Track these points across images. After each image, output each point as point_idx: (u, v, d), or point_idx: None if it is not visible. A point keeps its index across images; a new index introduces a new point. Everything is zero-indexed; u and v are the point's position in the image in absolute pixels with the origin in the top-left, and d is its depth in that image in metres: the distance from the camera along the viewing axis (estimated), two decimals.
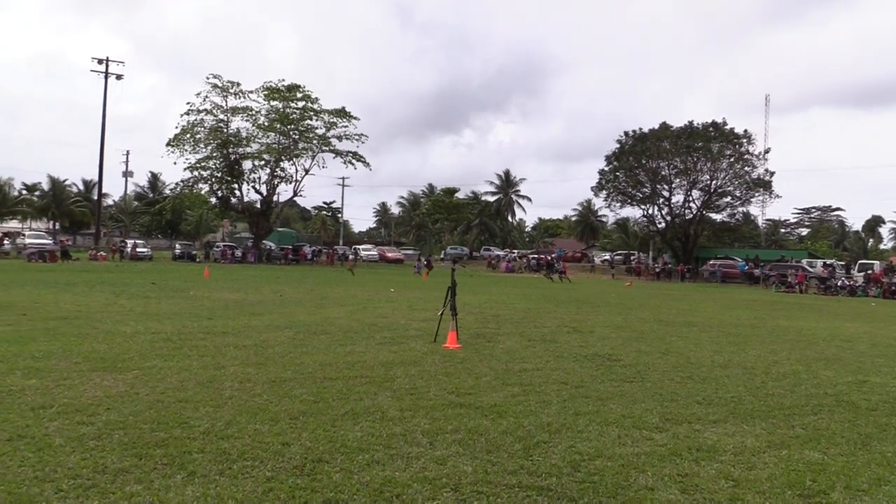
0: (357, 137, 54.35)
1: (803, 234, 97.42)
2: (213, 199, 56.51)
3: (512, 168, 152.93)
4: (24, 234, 51.31)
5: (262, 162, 53.59)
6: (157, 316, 12.90)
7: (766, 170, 56.42)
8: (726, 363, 9.76)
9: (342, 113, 53.87)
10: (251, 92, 52.60)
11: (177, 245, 58.01)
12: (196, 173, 52.46)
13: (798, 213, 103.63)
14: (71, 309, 13.49)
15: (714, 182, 56.23)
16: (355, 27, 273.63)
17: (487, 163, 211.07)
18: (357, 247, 65.75)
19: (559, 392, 7.20)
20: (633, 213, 67.23)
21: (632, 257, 63.86)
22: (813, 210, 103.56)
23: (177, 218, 75.26)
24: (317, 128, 53.95)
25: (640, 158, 57.14)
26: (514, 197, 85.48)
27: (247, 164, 53.84)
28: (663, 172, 57.58)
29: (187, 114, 51.71)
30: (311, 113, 53.28)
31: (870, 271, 42.89)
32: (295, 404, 6.20)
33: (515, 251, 71.06)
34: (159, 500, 3.88)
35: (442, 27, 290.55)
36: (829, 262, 50.21)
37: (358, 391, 6.86)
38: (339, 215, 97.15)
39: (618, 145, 58.43)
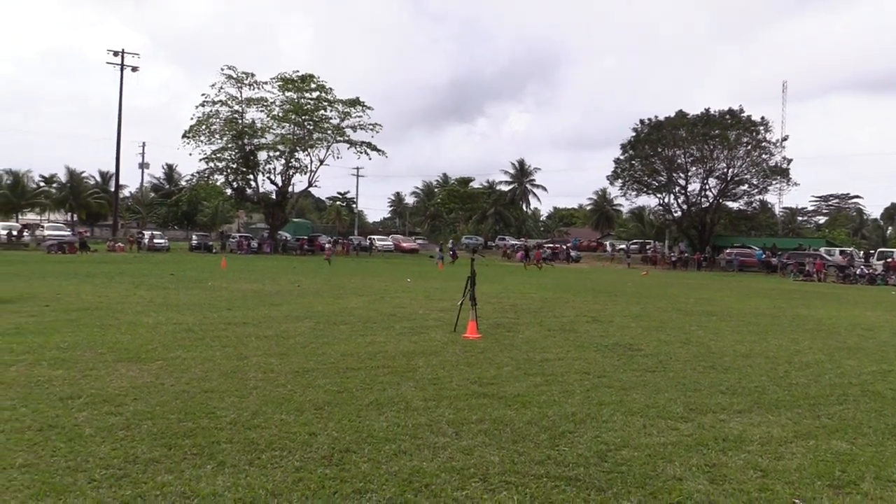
0: (371, 127, 54.27)
1: (821, 222, 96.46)
2: (229, 190, 56.63)
3: (526, 157, 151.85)
4: (43, 226, 51.93)
5: (277, 153, 53.63)
6: (178, 307, 13.00)
7: (784, 157, 55.69)
8: (748, 353, 9.69)
9: (356, 103, 53.76)
10: (265, 83, 52.65)
11: (193, 236, 58.39)
12: (212, 164, 52.60)
13: (816, 201, 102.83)
14: (92, 300, 13.62)
15: (731, 170, 55.65)
16: (368, 17, 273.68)
17: (502, 152, 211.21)
18: (372, 237, 65.96)
19: (581, 382, 7.19)
20: (648, 201, 67.01)
21: (648, 246, 63.43)
22: (831, 198, 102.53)
23: (193, 209, 75.61)
24: (331, 118, 53.91)
25: (655, 146, 56.55)
26: (528, 186, 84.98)
27: (262, 155, 53.95)
28: (679, 160, 57.02)
29: (202, 105, 51.84)
30: (326, 103, 53.15)
31: (889, 259, 42.25)
32: (319, 394, 6.23)
33: (530, 241, 70.62)
34: (191, 490, 3.92)
35: (454, 16, 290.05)
36: (847, 250, 49.51)
37: (381, 381, 6.88)
38: (354, 205, 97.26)
39: (633, 133, 57.81)
